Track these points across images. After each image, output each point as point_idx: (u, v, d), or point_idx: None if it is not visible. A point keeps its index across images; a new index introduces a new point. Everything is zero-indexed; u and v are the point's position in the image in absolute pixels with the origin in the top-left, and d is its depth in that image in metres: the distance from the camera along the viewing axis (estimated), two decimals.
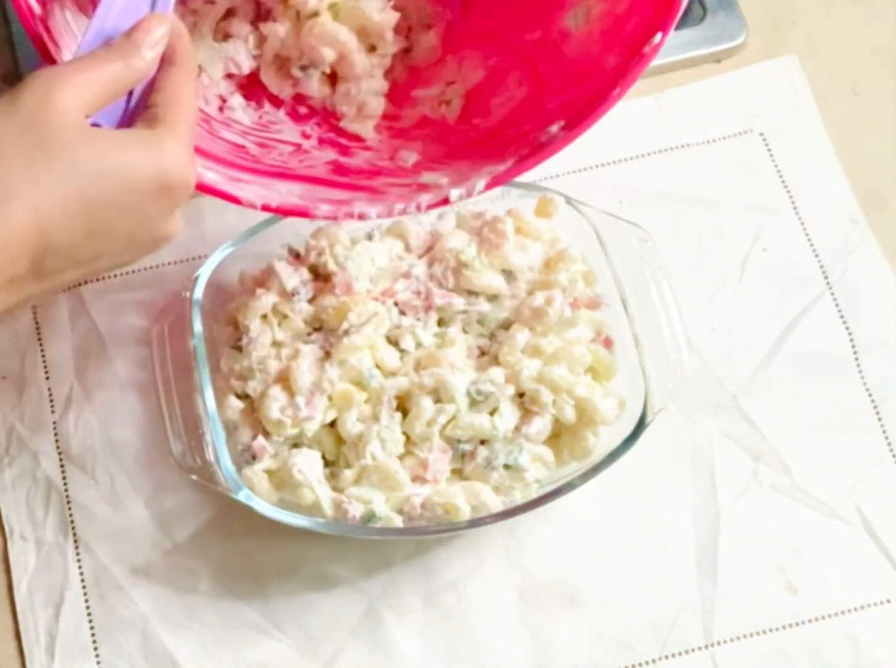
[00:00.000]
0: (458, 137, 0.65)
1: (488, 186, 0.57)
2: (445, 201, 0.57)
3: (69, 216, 0.47)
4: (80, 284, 0.69)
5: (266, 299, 0.63)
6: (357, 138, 0.66)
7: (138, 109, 0.52)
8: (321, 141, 0.66)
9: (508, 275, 0.64)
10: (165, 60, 0.52)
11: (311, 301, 0.63)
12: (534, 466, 0.61)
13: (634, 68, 0.57)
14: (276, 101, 0.67)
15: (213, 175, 0.56)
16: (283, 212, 0.58)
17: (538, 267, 0.65)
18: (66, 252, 0.48)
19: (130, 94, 0.52)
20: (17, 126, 0.47)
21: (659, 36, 0.56)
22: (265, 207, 0.57)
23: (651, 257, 0.64)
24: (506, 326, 0.64)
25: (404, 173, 0.62)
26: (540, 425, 0.61)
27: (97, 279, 0.69)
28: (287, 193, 0.59)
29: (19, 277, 0.47)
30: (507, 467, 0.61)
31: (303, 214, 0.58)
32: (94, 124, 0.50)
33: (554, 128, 0.58)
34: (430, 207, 0.58)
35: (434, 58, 0.69)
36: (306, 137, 0.66)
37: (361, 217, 0.57)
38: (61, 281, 0.49)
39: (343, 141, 0.66)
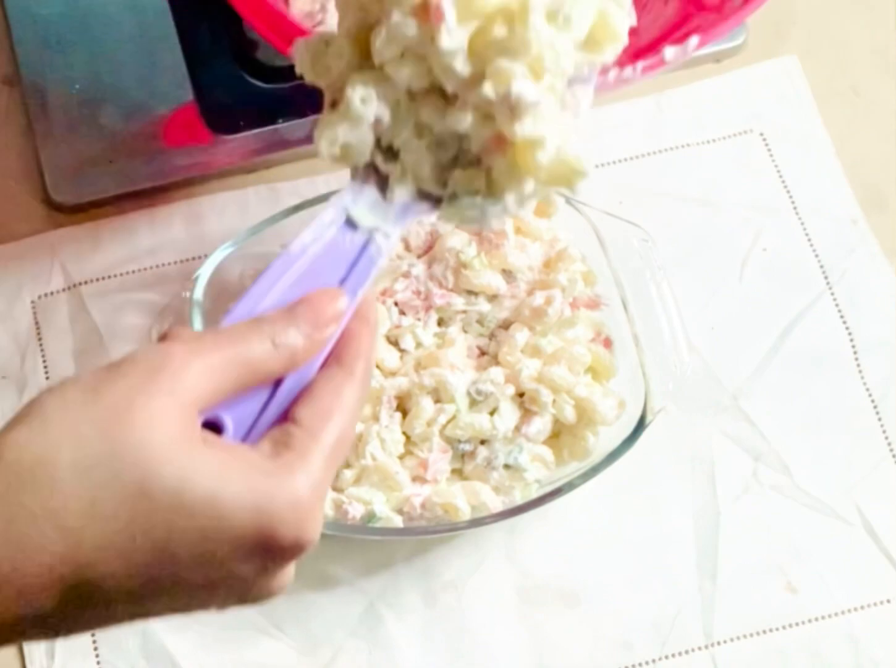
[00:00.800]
0: None
1: (702, 43, 0.52)
2: (661, 62, 0.53)
3: (115, 557, 0.34)
4: (79, 284, 0.69)
5: None
6: None
7: (276, 420, 0.38)
8: None
9: (508, 275, 0.65)
10: (333, 358, 0.39)
11: None
12: (534, 466, 0.61)
13: None
14: None
15: None
16: None
17: (538, 267, 0.65)
18: (108, 595, 0.35)
19: (273, 395, 0.38)
20: (90, 427, 0.34)
21: None
22: None
23: (651, 257, 0.64)
24: (505, 326, 0.64)
25: None
26: (540, 425, 0.61)
27: (97, 279, 0.70)
28: None
29: (44, 614, 0.35)
30: (507, 466, 0.61)
31: None
32: (208, 424, 0.37)
33: None
34: (646, 69, 0.52)
35: None
36: None
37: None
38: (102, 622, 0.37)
39: None
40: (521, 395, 0.62)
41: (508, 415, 0.61)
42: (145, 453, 0.34)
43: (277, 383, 0.38)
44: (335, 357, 0.39)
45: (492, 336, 0.64)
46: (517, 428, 0.61)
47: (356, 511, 0.59)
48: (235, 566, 0.36)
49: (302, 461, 0.36)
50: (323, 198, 0.65)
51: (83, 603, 0.35)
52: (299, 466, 0.36)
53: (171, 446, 0.34)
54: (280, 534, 0.36)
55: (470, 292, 0.64)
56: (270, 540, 0.36)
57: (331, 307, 0.38)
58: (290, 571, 0.39)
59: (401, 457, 0.61)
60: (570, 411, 0.61)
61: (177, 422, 0.35)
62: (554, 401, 0.61)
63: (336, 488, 0.60)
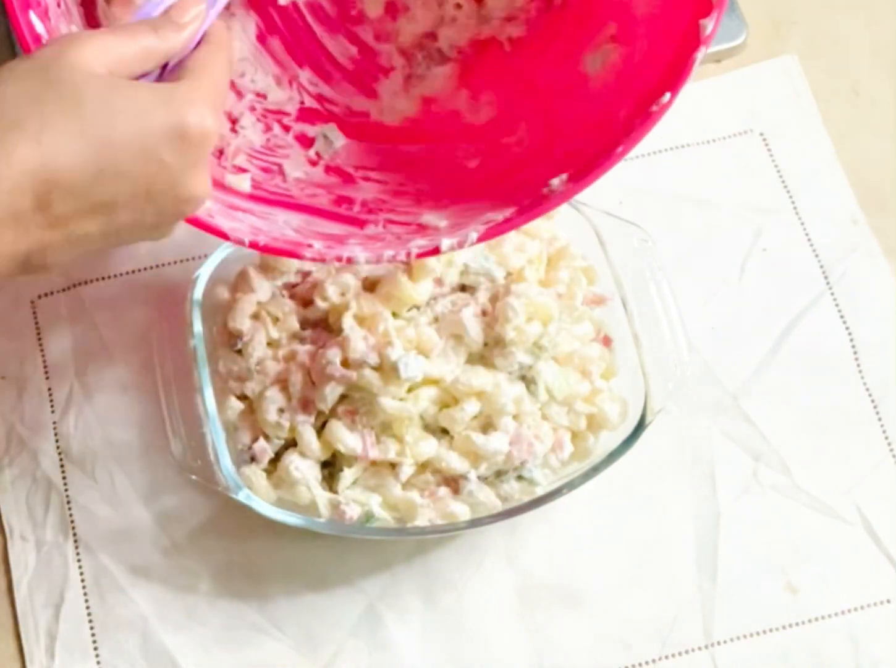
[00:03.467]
0: (463, 175, 0.63)
1: (481, 238, 0.55)
2: (436, 251, 0.55)
3: (74, 150, 0.44)
4: (79, 284, 0.69)
5: (248, 301, 0.62)
6: (364, 167, 0.65)
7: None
8: (327, 168, 0.64)
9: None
10: (201, 41, 0.51)
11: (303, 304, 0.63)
12: (543, 474, 0.61)
13: (641, 126, 0.55)
14: (286, 126, 0.66)
15: (208, 203, 0.54)
16: (271, 252, 0.56)
17: (539, 264, 0.64)
18: (74, 190, 0.45)
19: (162, 72, 0.51)
20: (28, 67, 0.46)
21: (668, 96, 0.54)
22: (252, 245, 0.55)
23: (651, 257, 0.64)
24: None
25: (406, 210, 0.61)
26: (571, 447, 0.61)
27: (97, 279, 0.70)
28: (284, 224, 0.58)
29: (25, 215, 0.44)
30: (519, 479, 0.61)
31: (291, 254, 0.56)
32: None
33: (556, 181, 0.56)
34: (420, 255, 0.56)
35: (448, 89, 0.66)
36: (313, 164, 0.64)
37: (349, 261, 0.55)
38: (79, 232, 0.46)
39: (350, 170, 0.64)
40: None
41: (547, 439, 0.61)
42: (83, 74, 0.46)
43: (162, 70, 0.51)
44: (202, 40, 0.51)
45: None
46: (551, 450, 0.61)
47: (353, 512, 0.59)
48: (162, 153, 0.46)
49: (193, 83, 0.49)
50: None
51: (51, 203, 0.45)
52: (191, 84, 0.48)
53: (97, 76, 0.46)
54: (188, 124, 0.46)
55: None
56: (182, 130, 0.46)
57: (196, 6, 0.51)
58: (206, 174, 0.49)
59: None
60: (583, 420, 0.62)
61: (98, 69, 0.47)
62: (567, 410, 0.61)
63: (333, 490, 0.60)
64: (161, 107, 0.46)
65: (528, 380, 0.61)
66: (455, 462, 0.60)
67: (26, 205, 0.44)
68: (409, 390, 0.60)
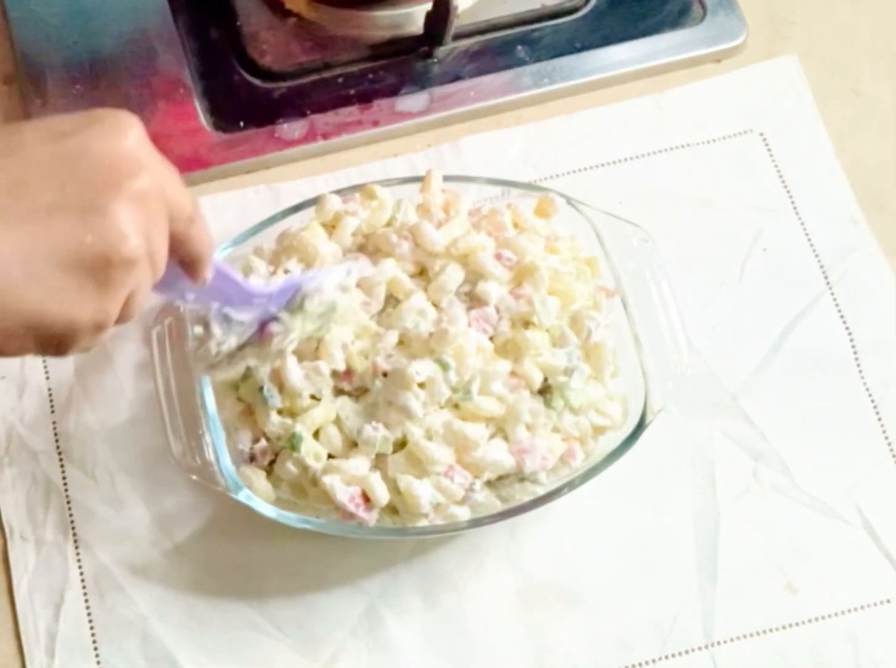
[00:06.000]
0: None
1: None
2: None
3: None
4: None
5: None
6: None
7: None
8: None
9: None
10: None
11: None
12: (546, 475, 0.61)
13: None
14: None
15: None
16: None
17: (542, 254, 0.64)
18: None
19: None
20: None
21: None
22: None
23: (651, 257, 0.64)
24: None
25: None
26: (582, 455, 0.61)
27: None
28: None
29: None
30: (521, 480, 0.61)
31: None
32: None
33: None
34: None
35: None
36: None
37: None
38: None
39: None
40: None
41: (558, 450, 0.61)
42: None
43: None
44: None
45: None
46: (562, 460, 0.61)
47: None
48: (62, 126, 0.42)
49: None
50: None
51: None
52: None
53: None
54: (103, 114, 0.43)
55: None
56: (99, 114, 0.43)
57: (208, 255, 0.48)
58: (131, 201, 0.43)
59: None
60: (590, 428, 0.62)
61: None
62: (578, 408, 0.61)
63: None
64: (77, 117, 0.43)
65: (549, 391, 0.61)
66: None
67: None
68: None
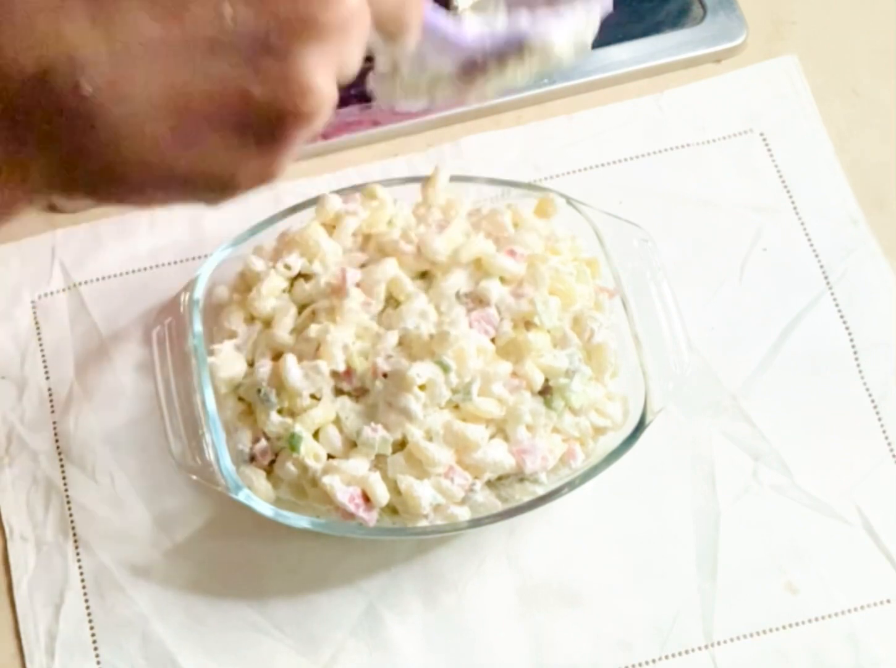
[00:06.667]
0: None
1: None
2: None
3: None
4: (79, 284, 0.69)
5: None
6: None
7: None
8: None
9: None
10: None
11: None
12: (546, 475, 0.61)
13: None
14: None
15: None
16: None
17: (542, 253, 0.64)
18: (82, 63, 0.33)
19: None
20: None
21: None
22: None
23: (651, 257, 0.64)
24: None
25: None
26: (582, 455, 0.61)
27: (97, 279, 0.70)
28: None
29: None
30: (520, 480, 0.61)
31: None
32: None
33: None
34: None
35: None
36: None
37: None
38: (127, 31, 0.33)
39: None
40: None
41: (558, 450, 0.61)
42: None
43: None
44: None
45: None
46: (562, 460, 0.61)
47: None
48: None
49: None
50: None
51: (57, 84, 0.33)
52: None
53: None
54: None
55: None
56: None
57: None
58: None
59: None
60: (591, 428, 0.62)
61: None
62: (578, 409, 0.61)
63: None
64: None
65: (549, 392, 0.61)
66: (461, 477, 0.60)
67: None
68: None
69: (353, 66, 0.36)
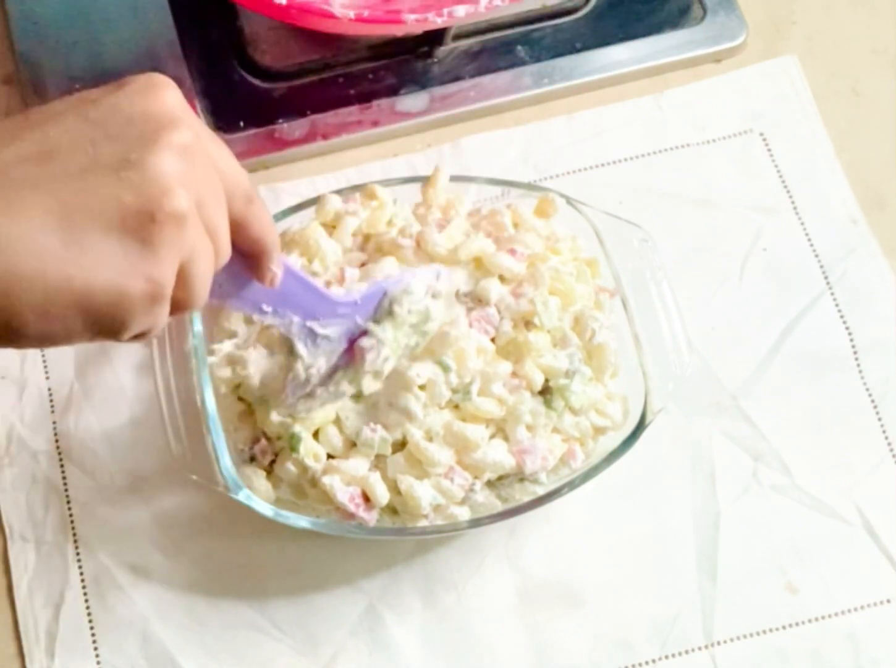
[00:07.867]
0: None
1: None
2: None
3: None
4: None
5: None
6: None
7: None
8: None
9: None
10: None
11: None
12: (546, 475, 0.61)
13: None
14: None
15: None
16: (375, 21, 0.59)
17: (541, 253, 0.64)
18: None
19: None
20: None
21: None
22: (358, 18, 0.58)
23: (651, 257, 0.64)
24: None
25: None
26: (582, 455, 0.61)
27: None
28: None
29: None
30: (520, 480, 0.61)
31: (393, 21, 0.60)
32: None
33: None
34: None
35: None
36: None
37: (450, 17, 0.59)
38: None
39: None
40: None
41: (558, 450, 0.61)
42: None
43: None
44: None
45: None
46: (562, 460, 0.61)
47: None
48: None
49: None
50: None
51: None
52: None
53: None
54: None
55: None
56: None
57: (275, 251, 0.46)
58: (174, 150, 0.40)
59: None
60: (591, 428, 0.62)
61: None
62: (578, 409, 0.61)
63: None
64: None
65: (549, 392, 0.61)
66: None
67: None
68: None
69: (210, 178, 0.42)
